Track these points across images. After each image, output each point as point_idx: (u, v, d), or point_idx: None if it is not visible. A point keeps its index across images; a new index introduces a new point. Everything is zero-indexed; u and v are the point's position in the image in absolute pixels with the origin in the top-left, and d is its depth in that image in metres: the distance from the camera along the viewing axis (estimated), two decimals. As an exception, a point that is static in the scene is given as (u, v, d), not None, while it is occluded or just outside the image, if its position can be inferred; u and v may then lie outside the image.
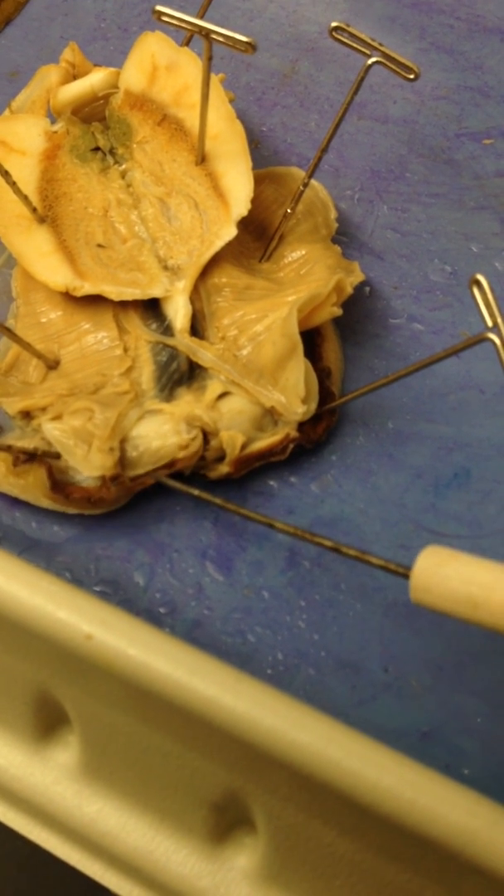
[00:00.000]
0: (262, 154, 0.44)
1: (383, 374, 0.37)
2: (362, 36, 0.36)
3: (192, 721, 0.25)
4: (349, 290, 0.35)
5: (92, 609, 0.26)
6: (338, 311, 0.35)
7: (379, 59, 0.36)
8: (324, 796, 0.24)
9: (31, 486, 0.34)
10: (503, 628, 0.25)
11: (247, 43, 0.32)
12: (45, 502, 0.34)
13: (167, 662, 0.25)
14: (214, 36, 0.33)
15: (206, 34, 0.33)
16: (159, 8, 0.33)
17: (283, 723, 0.24)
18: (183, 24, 0.33)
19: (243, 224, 0.37)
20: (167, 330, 0.36)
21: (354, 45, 0.36)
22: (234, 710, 0.24)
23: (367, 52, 0.36)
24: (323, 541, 0.30)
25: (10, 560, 0.27)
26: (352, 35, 0.36)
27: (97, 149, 0.40)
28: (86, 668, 0.26)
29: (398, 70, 0.35)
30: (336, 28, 0.36)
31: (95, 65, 0.43)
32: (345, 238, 0.41)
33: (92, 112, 0.42)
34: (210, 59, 0.34)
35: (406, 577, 0.28)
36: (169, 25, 0.33)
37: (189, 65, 0.39)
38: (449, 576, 0.26)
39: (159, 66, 0.40)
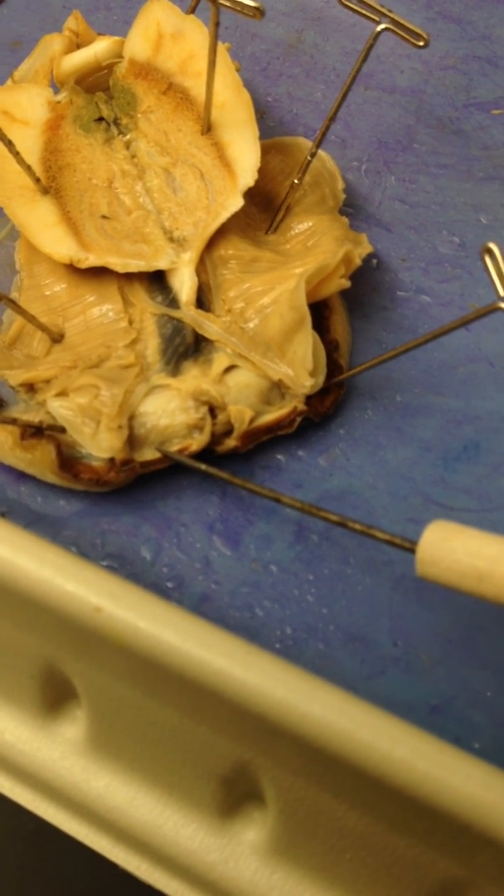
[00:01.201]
0: (268, 124, 0.43)
1: (391, 346, 0.37)
2: (371, 2, 0.35)
3: (202, 694, 0.25)
4: (357, 261, 0.35)
5: (100, 581, 0.26)
6: (346, 283, 0.35)
7: (388, 25, 0.35)
8: (335, 769, 0.24)
9: (37, 461, 0.33)
10: (509, 600, 0.25)
11: (255, 8, 0.31)
12: (52, 478, 0.34)
13: (177, 635, 0.25)
14: (222, 1, 0.32)
15: (213, 0, 0.32)
16: (166, -28, 0.32)
17: (294, 695, 0.24)
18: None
19: (249, 195, 0.37)
20: (173, 302, 0.36)
21: (363, 11, 0.35)
22: (245, 683, 0.24)
23: (376, 18, 0.35)
24: (329, 515, 0.30)
25: (17, 533, 0.26)
26: (360, 2, 0.35)
27: (101, 119, 0.40)
28: (94, 642, 0.26)
29: (407, 37, 0.35)
30: (344, -6, 0.35)
31: (99, 34, 0.42)
32: (352, 209, 0.40)
33: (95, 82, 0.41)
34: (217, 24, 0.33)
35: (412, 551, 0.27)
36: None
37: (195, 32, 0.38)
38: (455, 549, 0.26)
39: (164, 34, 0.39)
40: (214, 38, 0.34)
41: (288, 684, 0.24)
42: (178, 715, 0.27)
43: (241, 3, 0.32)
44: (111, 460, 0.33)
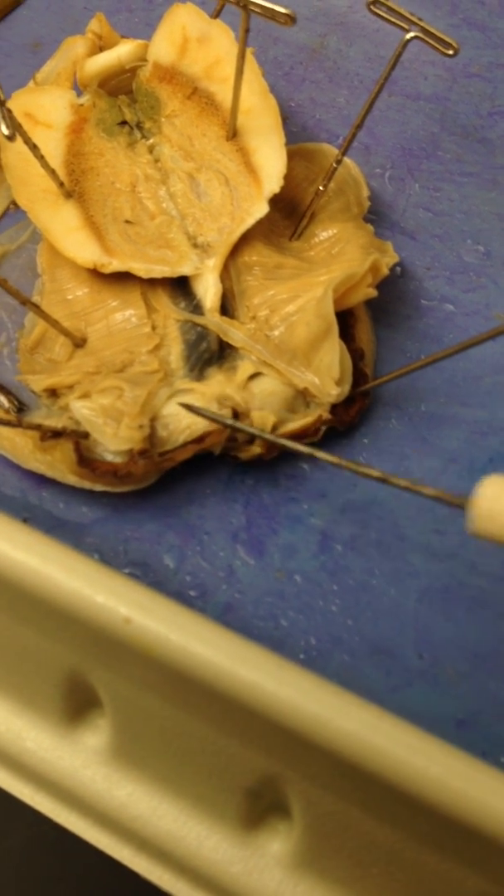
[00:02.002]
0: (291, 130, 0.43)
1: (416, 356, 0.37)
2: (401, 10, 0.35)
3: (232, 707, 0.25)
4: (385, 270, 0.35)
5: (130, 593, 0.25)
6: (373, 293, 0.34)
7: (417, 33, 0.35)
8: (366, 784, 0.24)
9: (57, 462, 0.33)
10: None
11: (287, 15, 0.31)
12: (72, 479, 0.33)
13: (208, 648, 0.24)
14: (252, 7, 0.32)
15: (245, 5, 0.32)
16: (197, -23, 0.32)
17: (327, 710, 0.24)
18: (221, -5, 0.32)
19: (273, 201, 0.37)
20: (196, 308, 0.36)
21: (392, 19, 0.35)
22: (277, 697, 0.24)
23: (406, 26, 0.35)
24: (370, 471, 0.29)
25: (44, 541, 0.26)
26: (389, 9, 0.35)
27: (124, 122, 0.39)
28: (122, 653, 0.26)
29: (437, 45, 0.35)
30: (374, 2, 0.35)
31: (121, 36, 0.42)
32: (375, 217, 0.40)
33: (118, 85, 0.41)
34: (247, 31, 0.33)
35: (461, 507, 0.27)
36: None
37: (221, 37, 0.38)
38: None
39: (190, 39, 0.39)
40: (244, 44, 0.33)
41: (321, 700, 0.24)
42: (207, 727, 0.27)
43: (272, 8, 0.32)
44: (129, 452, 0.32)
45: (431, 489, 0.28)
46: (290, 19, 0.31)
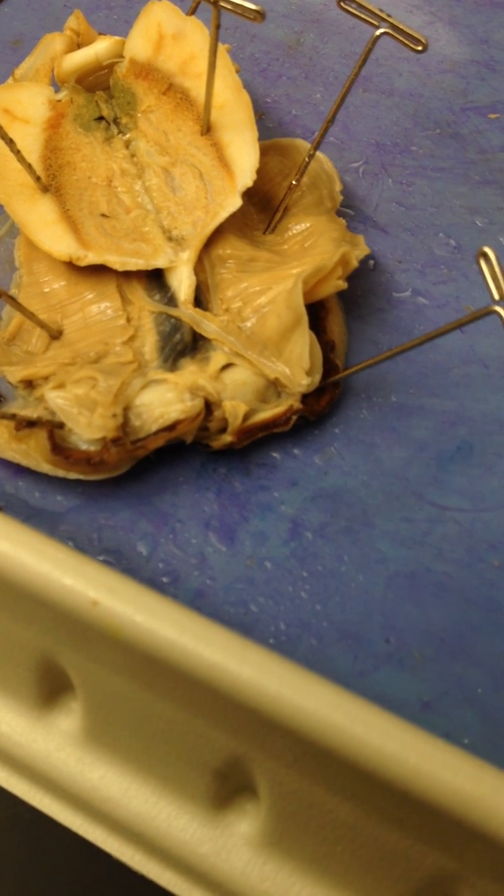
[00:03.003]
0: (267, 126, 0.43)
1: (387, 347, 0.37)
2: (370, 7, 0.35)
3: (198, 688, 0.25)
4: (354, 263, 0.35)
5: (98, 576, 0.26)
6: (343, 285, 0.35)
7: (387, 30, 0.35)
8: (328, 762, 0.25)
9: (31, 451, 0.34)
10: None
11: (256, 11, 0.32)
12: (46, 467, 0.34)
13: (174, 629, 0.25)
14: (223, 3, 0.32)
15: (215, 2, 0.32)
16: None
17: (288, 689, 0.24)
18: (191, -9, 0.32)
19: (247, 195, 0.37)
20: (171, 301, 0.36)
21: (362, 15, 0.36)
22: (240, 676, 0.24)
23: (376, 23, 0.35)
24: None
25: (15, 527, 0.27)
26: (360, 6, 0.35)
27: (101, 118, 0.40)
28: (91, 635, 0.26)
29: (406, 42, 0.35)
30: (344, -2, 0.35)
31: (99, 33, 0.42)
32: (349, 211, 0.41)
33: (96, 81, 0.42)
34: (218, 27, 0.33)
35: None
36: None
37: (196, 34, 0.39)
38: None
39: (165, 35, 0.39)
40: (215, 41, 0.34)
41: (283, 679, 0.24)
42: (174, 708, 0.27)
43: (242, 5, 0.32)
44: (102, 440, 0.33)
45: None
46: (260, 15, 0.32)
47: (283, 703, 0.24)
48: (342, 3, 0.35)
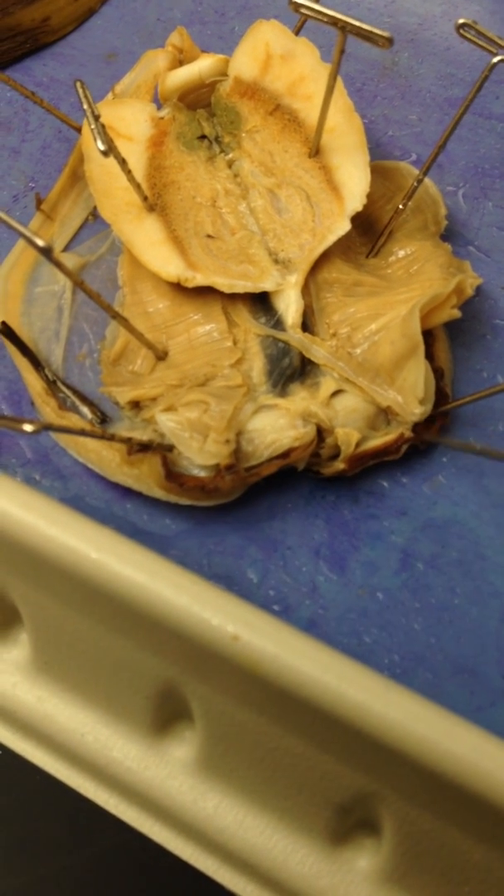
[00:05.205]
0: (365, 146, 0.43)
1: (492, 375, 0.37)
2: (488, 33, 0.35)
3: (335, 726, 0.25)
4: (470, 291, 0.35)
5: (237, 610, 0.26)
6: (457, 314, 0.35)
7: (504, 57, 0.35)
8: (469, 805, 0.24)
9: (144, 476, 0.34)
10: None
11: (386, 38, 0.31)
12: (158, 492, 0.34)
13: (316, 667, 0.25)
14: (350, 28, 0.32)
15: (343, 26, 0.32)
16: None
17: (435, 733, 0.24)
18: (320, 16, 0.32)
19: (351, 219, 0.37)
20: (276, 324, 0.36)
21: (480, 42, 0.35)
22: (385, 718, 0.24)
23: (493, 50, 0.35)
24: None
25: (153, 558, 0.26)
26: (479, 33, 0.35)
27: (203, 137, 0.40)
28: (225, 668, 0.26)
29: (524, 69, 0.35)
30: (463, 25, 0.35)
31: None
32: (449, 235, 0.40)
33: (196, 99, 0.41)
34: (342, 52, 0.33)
35: None
36: (305, 16, 0.32)
37: (306, 55, 0.38)
38: None
39: (274, 55, 0.39)
40: (338, 65, 0.34)
41: (429, 721, 0.24)
42: (303, 743, 0.27)
43: (370, 31, 0.32)
44: (216, 466, 0.33)
45: None
46: (389, 42, 0.32)
47: (429, 747, 0.24)
48: (461, 30, 0.35)
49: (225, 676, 0.27)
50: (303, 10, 0.32)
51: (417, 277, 0.37)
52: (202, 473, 0.33)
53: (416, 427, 0.34)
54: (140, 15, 0.47)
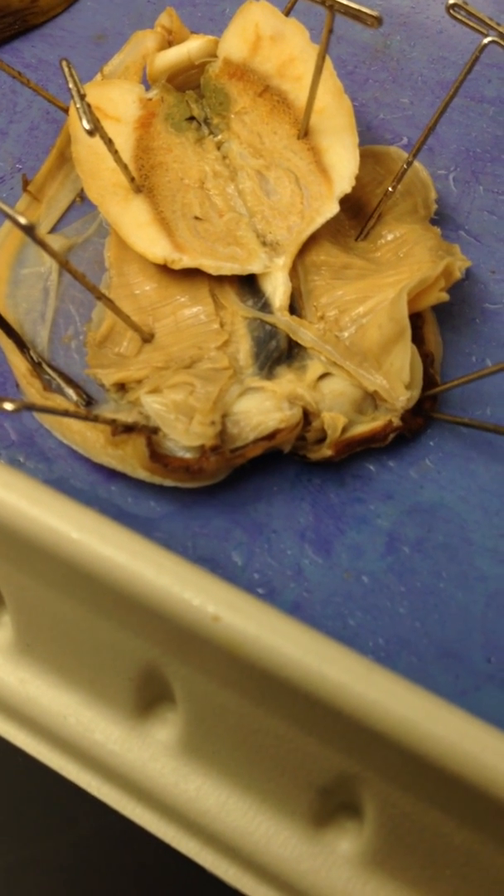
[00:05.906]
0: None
1: (480, 359, 0.37)
2: (479, 14, 0.35)
3: (317, 707, 0.25)
4: (458, 274, 0.35)
5: (219, 591, 0.26)
6: (445, 297, 0.34)
7: (495, 38, 0.35)
8: (451, 788, 0.24)
9: (128, 457, 0.33)
10: None
11: (374, 17, 0.31)
12: (142, 473, 0.33)
13: (297, 649, 0.25)
14: (338, 7, 0.32)
15: (330, 5, 0.32)
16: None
17: (416, 714, 0.24)
18: (309, -4, 0.32)
19: (340, 201, 0.37)
20: (263, 307, 0.36)
21: (470, 23, 0.35)
22: (366, 699, 0.24)
23: (483, 31, 0.35)
24: None
25: (134, 538, 0.26)
26: (469, 13, 0.35)
27: (192, 118, 0.39)
28: (206, 649, 0.26)
29: (514, 50, 0.35)
30: (453, 5, 0.35)
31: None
32: (439, 219, 0.40)
33: (185, 81, 0.41)
34: (331, 31, 0.33)
35: None
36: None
37: (296, 36, 0.38)
38: None
39: (263, 36, 0.39)
40: (326, 45, 0.33)
41: (410, 703, 0.24)
42: (286, 725, 0.27)
43: (360, 10, 0.32)
44: (201, 447, 0.33)
45: None
46: (377, 21, 0.31)
47: (410, 728, 0.24)
48: (451, 10, 0.35)
49: (207, 658, 0.27)
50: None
51: (406, 260, 0.37)
52: (187, 455, 0.33)
53: (405, 414, 0.34)
54: (130, -4, 0.47)
